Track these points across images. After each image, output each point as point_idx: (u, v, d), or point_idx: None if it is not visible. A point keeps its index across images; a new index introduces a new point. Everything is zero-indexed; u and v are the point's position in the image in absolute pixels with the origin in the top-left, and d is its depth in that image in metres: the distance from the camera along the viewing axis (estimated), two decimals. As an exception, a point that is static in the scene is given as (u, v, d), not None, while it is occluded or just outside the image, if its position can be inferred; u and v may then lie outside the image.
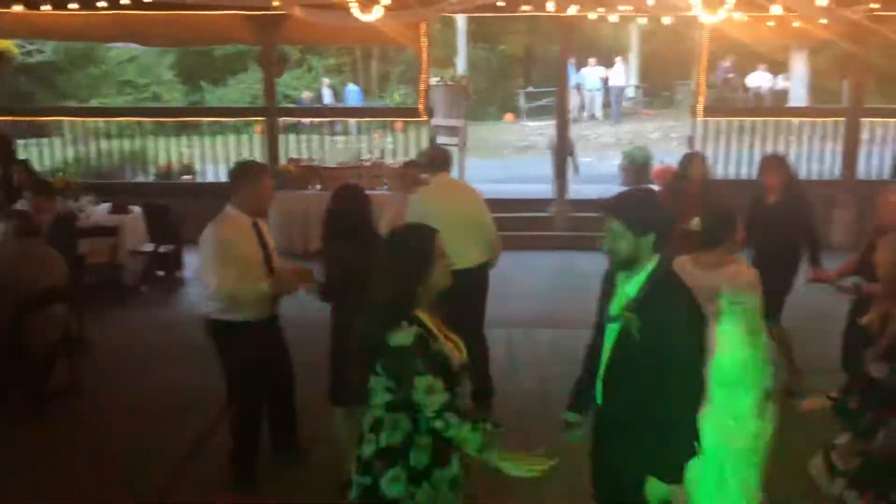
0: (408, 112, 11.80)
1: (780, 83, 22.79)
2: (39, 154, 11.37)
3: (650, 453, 2.93)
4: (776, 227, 5.50)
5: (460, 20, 24.32)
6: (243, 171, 4.48)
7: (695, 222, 3.95)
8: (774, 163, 5.87)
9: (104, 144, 11.40)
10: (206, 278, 4.34)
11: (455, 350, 2.88)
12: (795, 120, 11.45)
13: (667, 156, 12.96)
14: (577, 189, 11.07)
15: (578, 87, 22.00)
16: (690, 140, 10.80)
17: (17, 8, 9.17)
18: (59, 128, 12.05)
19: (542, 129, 21.05)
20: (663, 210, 3.20)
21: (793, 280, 5.61)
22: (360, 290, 3.86)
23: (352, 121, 11.81)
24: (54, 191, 7.79)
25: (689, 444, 2.93)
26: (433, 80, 11.07)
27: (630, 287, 2.99)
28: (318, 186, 10.10)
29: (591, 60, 22.45)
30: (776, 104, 21.24)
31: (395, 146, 11.84)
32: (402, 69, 27.64)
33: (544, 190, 11.39)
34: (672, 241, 3.19)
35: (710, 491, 3.62)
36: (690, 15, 7.59)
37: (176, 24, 10.20)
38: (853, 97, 10.43)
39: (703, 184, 6.24)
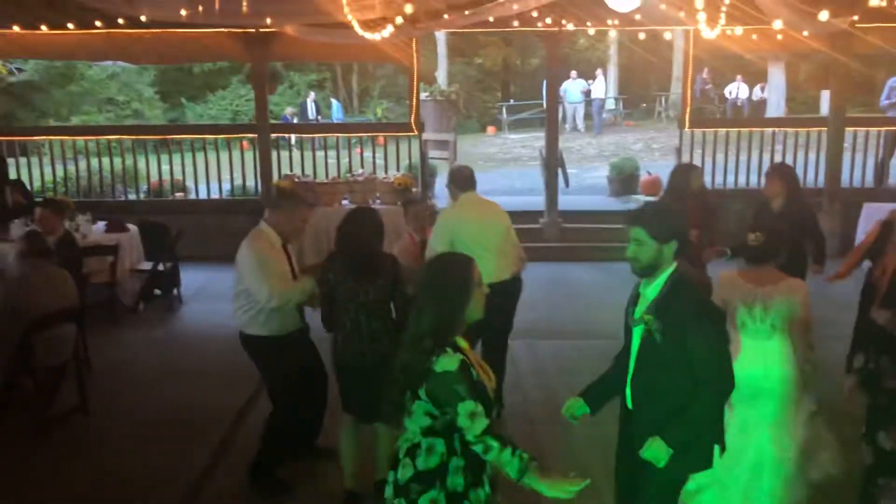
0: (399, 127, 11.88)
1: (757, 93, 23.20)
2: (24, 174, 11.24)
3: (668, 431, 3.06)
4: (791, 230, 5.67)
5: (440, 35, 24.52)
6: (284, 195, 4.73)
7: (753, 237, 4.04)
8: (781, 171, 6.09)
9: (87, 163, 11.33)
10: (256, 289, 4.42)
11: (486, 377, 2.96)
12: (779, 130, 11.69)
13: (651, 166, 13.20)
14: (566, 200, 11.22)
15: (561, 100, 22.25)
16: (678, 151, 10.98)
17: (16, 28, 9.17)
18: (38, 147, 11.95)
19: (525, 142, 21.30)
20: (683, 219, 3.35)
21: None
22: (344, 313, 4.19)
23: (339, 136, 11.82)
24: (64, 209, 7.69)
25: (705, 428, 3.06)
26: (423, 95, 11.15)
27: (650, 291, 3.16)
28: (312, 202, 10.13)
29: (573, 73, 22.75)
30: (754, 114, 21.61)
31: (385, 160, 11.93)
32: (382, 84, 27.81)
33: (533, 202, 11.51)
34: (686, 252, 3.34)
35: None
36: (682, 29, 7.74)
37: (167, 42, 10.22)
38: (835, 106, 10.67)
39: (700, 195, 6.38)
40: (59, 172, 11.29)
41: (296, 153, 12.05)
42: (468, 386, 2.76)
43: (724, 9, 6.13)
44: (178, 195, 11.66)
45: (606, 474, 3.69)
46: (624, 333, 3.34)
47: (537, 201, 11.34)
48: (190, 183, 11.86)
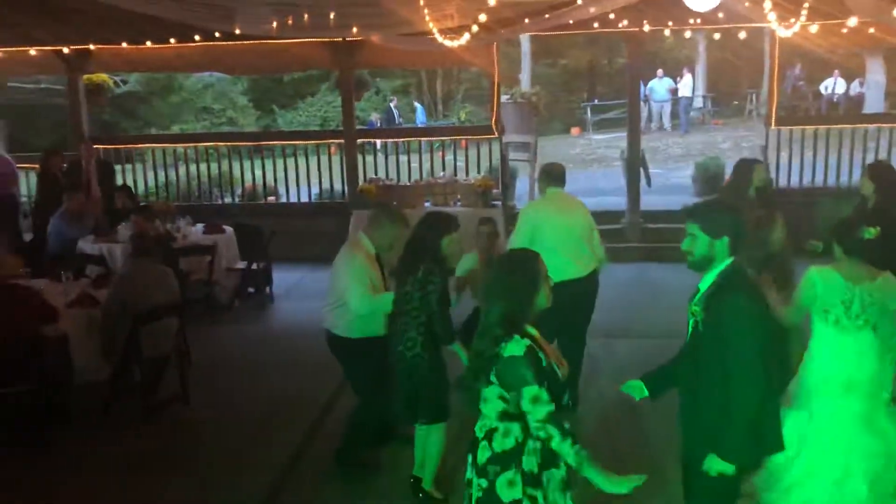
0: (480, 130, 12.06)
1: (855, 88, 22.26)
2: (129, 180, 11.93)
3: (712, 434, 3.16)
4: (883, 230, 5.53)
5: (524, 38, 24.54)
6: (387, 215, 4.85)
7: (872, 231, 4.00)
8: (876, 169, 6.04)
9: (185, 169, 11.89)
10: (348, 295, 4.66)
11: (559, 363, 3.10)
12: (873, 126, 11.27)
13: (739, 166, 12.88)
14: (649, 200, 11.15)
15: (647, 99, 21.94)
16: (764, 149, 10.75)
17: (124, 44, 9.85)
18: (141, 154, 12.68)
19: (609, 142, 21.08)
20: (739, 216, 3.38)
21: None
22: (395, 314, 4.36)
23: (422, 139, 12.09)
24: (154, 214, 8.29)
25: (746, 428, 3.10)
26: (503, 98, 11.29)
27: (703, 285, 3.29)
28: (395, 203, 10.42)
29: (659, 72, 22.40)
30: (850, 110, 20.75)
31: (466, 163, 12.12)
32: (465, 87, 28.05)
33: (616, 202, 11.47)
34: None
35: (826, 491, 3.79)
36: (762, 26, 7.63)
37: (259, 53, 10.74)
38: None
39: (763, 192, 6.23)
40: (161, 178, 11.91)
41: (380, 157, 12.35)
42: (534, 371, 2.90)
43: (806, 5, 6.05)
44: (270, 199, 12.13)
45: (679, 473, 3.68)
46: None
47: (620, 202, 11.31)
48: (280, 187, 12.31)
